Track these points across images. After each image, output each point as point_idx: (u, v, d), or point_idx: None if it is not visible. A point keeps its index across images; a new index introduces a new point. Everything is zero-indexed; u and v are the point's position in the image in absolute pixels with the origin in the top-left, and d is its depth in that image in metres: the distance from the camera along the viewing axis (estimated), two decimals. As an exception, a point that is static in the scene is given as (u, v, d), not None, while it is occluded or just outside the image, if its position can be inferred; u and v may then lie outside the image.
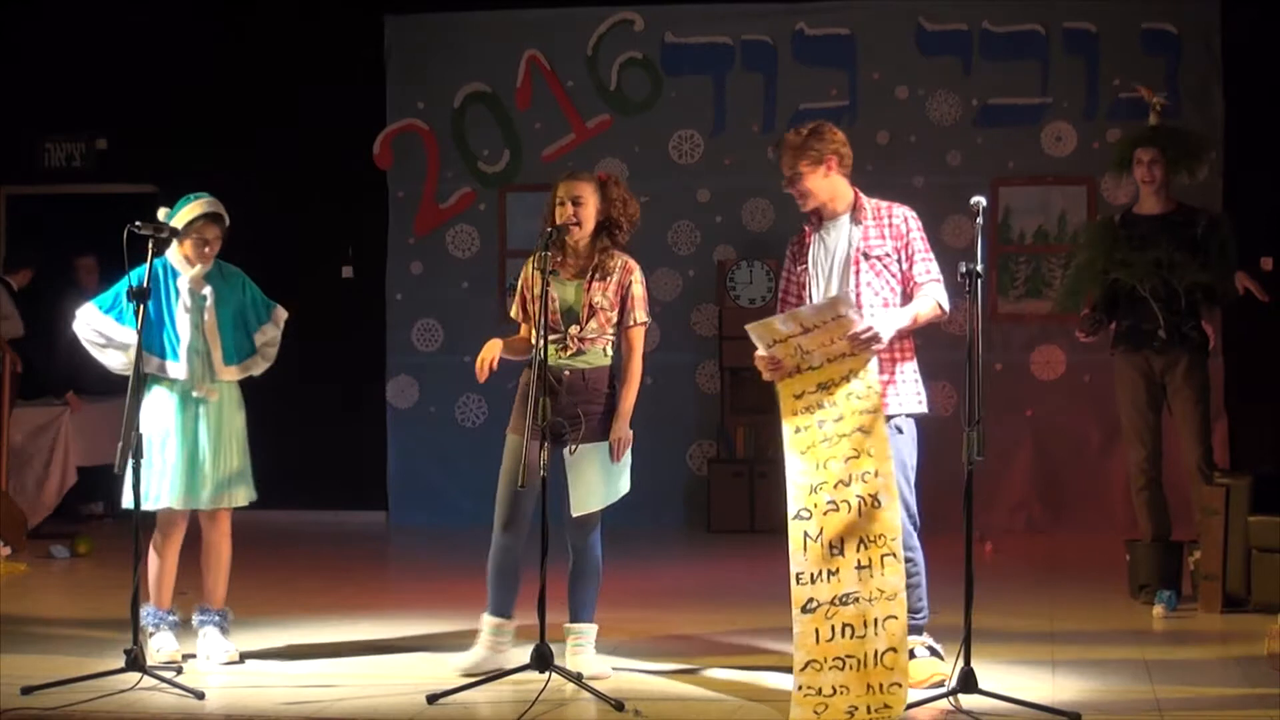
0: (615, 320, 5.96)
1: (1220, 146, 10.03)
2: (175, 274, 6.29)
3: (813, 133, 5.85)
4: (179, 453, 6.21)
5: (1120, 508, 10.04)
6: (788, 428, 5.52)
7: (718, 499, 10.44)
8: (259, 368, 6.46)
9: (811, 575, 5.33)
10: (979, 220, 5.58)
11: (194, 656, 6.22)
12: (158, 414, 6.23)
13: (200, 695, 5.57)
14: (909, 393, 5.76)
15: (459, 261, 11.06)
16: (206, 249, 6.27)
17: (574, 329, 5.90)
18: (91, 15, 11.32)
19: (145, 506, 6.04)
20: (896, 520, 5.36)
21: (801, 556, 5.37)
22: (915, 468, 5.78)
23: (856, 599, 5.28)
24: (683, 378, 10.87)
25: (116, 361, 6.25)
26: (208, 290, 6.29)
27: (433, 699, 5.46)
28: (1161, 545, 7.40)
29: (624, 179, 10.65)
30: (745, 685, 5.75)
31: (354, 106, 11.14)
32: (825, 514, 5.36)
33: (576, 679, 5.58)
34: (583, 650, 5.95)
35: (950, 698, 5.25)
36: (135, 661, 5.68)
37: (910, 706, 5.21)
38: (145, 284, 5.95)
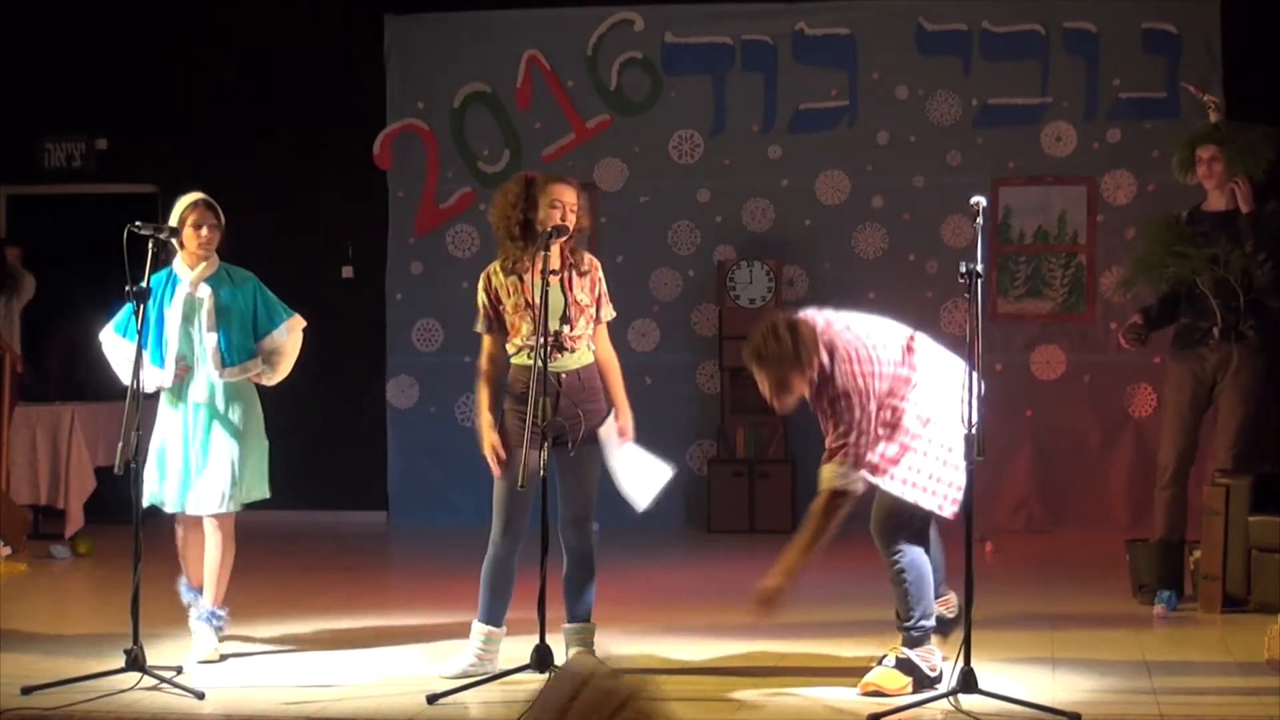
0: (593, 317, 6.03)
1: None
2: (176, 281, 6.34)
3: (795, 337, 5.35)
4: (176, 457, 6.31)
5: (1120, 508, 10.05)
6: None
7: (718, 499, 10.44)
8: (268, 376, 6.44)
9: None
10: (979, 220, 5.56)
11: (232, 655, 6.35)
12: (159, 419, 6.35)
13: (200, 695, 5.57)
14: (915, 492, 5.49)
15: (459, 261, 11.06)
16: (204, 231, 6.26)
17: (565, 328, 5.91)
18: (91, 15, 11.33)
19: (145, 504, 6.19)
20: None
21: None
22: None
23: None
24: (683, 378, 10.87)
25: (149, 382, 6.31)
26: (205, 293, 6.31)
27: (433, 699, 5.46)
28: (1163, 545, 7.39)
29: (624, 179, 10.91)
30: (746, 685, 5.75)
31: (354, 106, 11.14)
32: None
33: (576, 679, 5.57)
34: (583, 650, 5.95)
35: (950, 698, 5.25)
36: (135, 661, 5.69)
37: (910, 707, 5.21)
38: (146, 284, 5.98)
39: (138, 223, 5.96)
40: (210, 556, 6.38)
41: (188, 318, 6.30)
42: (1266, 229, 7.26)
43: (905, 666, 5.56)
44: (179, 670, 5.92)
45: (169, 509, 6.37)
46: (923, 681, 5.51)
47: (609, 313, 6.08)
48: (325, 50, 11.21)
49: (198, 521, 6.37)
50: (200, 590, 6.41)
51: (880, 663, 5.62)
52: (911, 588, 5.55)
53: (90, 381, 10.16)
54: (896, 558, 5.54)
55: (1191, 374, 7.37)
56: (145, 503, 6.19)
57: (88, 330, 11.25)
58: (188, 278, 6.31)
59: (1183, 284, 7.36)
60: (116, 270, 6.00)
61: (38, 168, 11.57)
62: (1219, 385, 7.32)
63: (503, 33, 11.03)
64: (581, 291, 5.96)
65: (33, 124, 11.51)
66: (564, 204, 5.89)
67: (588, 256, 6.05)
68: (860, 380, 5.37)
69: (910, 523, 5.56)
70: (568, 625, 5.98)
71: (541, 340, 5.60)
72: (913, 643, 5.58)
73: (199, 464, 6.30)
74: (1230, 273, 7.22)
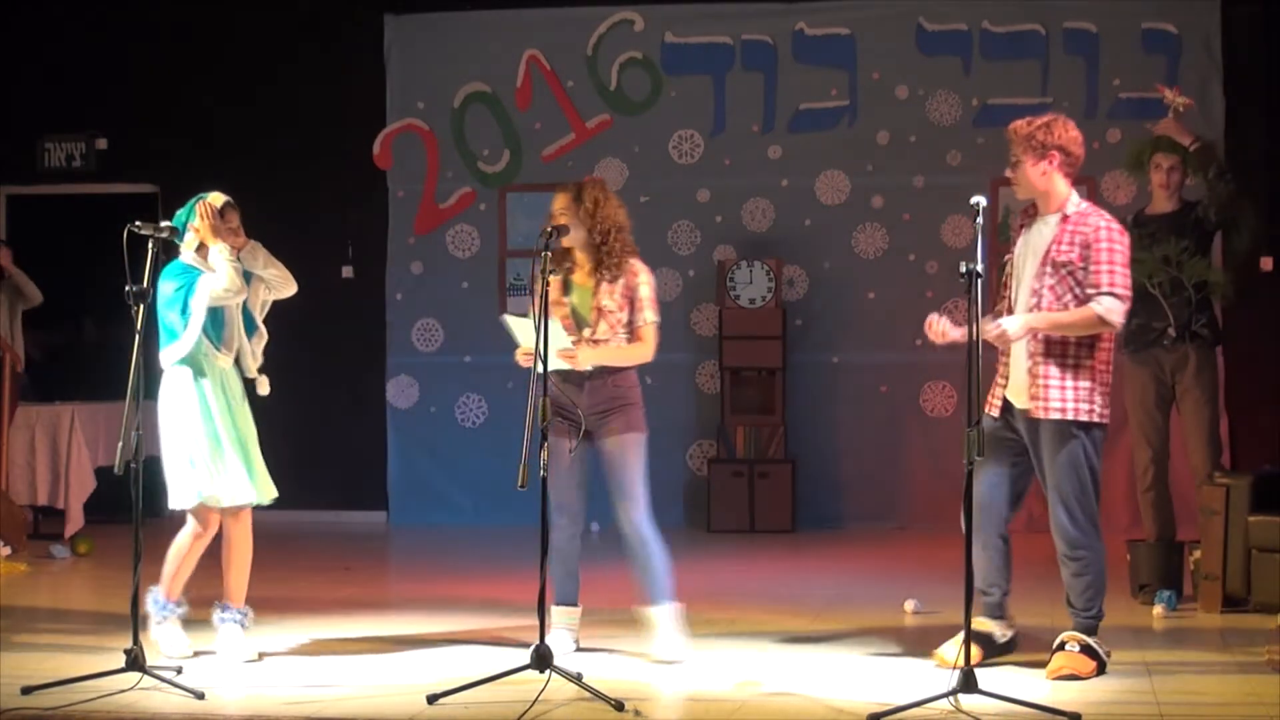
0: (626, 321, 6.10)
1: (1220, 146, 10.03)
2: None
3: (1043, 125, 5.88)
4: (232, 448, 6.28)
5: (1120, 508, 10.03)
6: None
7: (718, 499, 10.44)
8: (259, 360, 6.47)
9: None
10: (979, 220, 5.58)
11: (209, 653, 6.25)
12: (196, 417, 6.23)
13: (200, 695, 5.57)
14: (1081, 399, 5.89)
15: (459, 261, 11.07)
16: (238, 237, 6.32)
17: (586, 331, 6.05)
18: (91, 15, 11.33)
19: (195, 502, 6.18)
20: None
21: None
22: (1094, 471, 5.91)
23: None
24: (683, 378, 10.88)
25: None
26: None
27: (433, 699, 5.46)
28: (1163, 545, 7.41)
29: (624, 179, 10.90)
30: (745, 685, 5.75)
31: (354, 106, 11.15)
32: None
33: (576, 679, 5.58)
34: (659, 630, 6.06)
35: (950, 698, 5.25)
36: (135, 661, 5.68)
37: (910, 706, 5.22)
38: (146, 284, 5.97)
39: (138, 223, 5.96)
40: (244, 552, 6.38)
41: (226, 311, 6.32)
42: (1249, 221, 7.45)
43: (1090, 652, 5.82)
44: (179, 670, 5.93)
45: (228, 503, 6.24)
46: (1102, 667, 5.80)
47: (647, 318, 6.11)
48: (325, 50, 11.21)
49: (218, 517, 6.33)
50: (178, 602, 6.32)
51: (1062, 648, 5.84)
52: (1096, 579, 5.89)
53: (86, 380, 10.18)
54: (1090, 549, 5.90)
55: (1153, 376, 7.44)
56: (195, 500, 6.17)
57: (86, 330, 11.26)
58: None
59: (1134, 286, 7.40)
60: (116, 270, 6.00)
61: (37, 168, 11.58)
62: (1180, 384, 7.40)
63: (503, 33, 11.04)
64: (609, 297, 6.07)
65: (33, 124, 11.51)
66: (549, 214, 6.06)
67: (629, 263, 6.11)
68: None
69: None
70: (640, 609, 6.11)
71: (540, 339, 5.60)
72: (1090, 630, 5.86)
73: (248, 453, 6.33)
74: (1182, 272, 7.26)
